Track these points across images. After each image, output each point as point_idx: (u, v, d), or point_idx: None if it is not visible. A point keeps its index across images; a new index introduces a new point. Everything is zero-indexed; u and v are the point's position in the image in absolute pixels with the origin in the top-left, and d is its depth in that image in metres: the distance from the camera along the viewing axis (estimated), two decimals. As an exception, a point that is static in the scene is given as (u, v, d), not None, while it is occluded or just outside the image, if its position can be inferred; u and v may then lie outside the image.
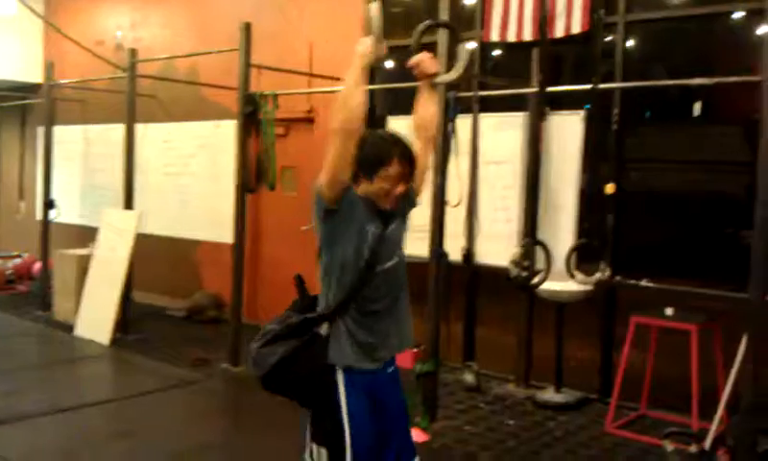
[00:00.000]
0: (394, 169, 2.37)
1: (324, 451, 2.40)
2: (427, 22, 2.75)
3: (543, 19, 4.57)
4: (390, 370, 2.54)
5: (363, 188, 2.39)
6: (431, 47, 2.75)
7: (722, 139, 4.94)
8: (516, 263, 4.58)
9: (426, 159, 2.69)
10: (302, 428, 2.48)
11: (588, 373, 5.10)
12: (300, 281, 2.51)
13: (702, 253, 4.83)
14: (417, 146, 2.56)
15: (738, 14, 4.80)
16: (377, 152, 2.39)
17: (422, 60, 2.57)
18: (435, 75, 2.63)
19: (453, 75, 2.74)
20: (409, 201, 2.56)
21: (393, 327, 2.48)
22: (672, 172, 5.20)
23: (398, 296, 2.50)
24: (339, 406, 2.39)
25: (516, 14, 5.18)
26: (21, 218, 9.21)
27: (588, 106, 4.94)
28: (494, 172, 5.28)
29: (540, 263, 4.70)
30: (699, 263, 4.81)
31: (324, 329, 2.41)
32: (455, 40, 2.83)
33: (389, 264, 2.43)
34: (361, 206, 2.37)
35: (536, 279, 4.60)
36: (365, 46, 2.37)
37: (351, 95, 2.30)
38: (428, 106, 2.70)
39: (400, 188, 2.40)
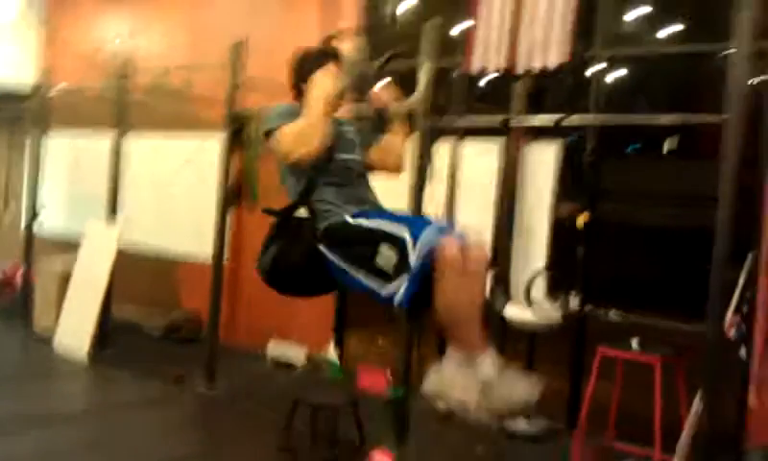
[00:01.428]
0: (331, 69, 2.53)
1: (384, 249, 2.33)
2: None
3: (512, 53, 4.65)
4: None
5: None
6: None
7: (695, 174, 5.02)
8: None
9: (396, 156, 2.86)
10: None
11: (557, 403, 5.13)
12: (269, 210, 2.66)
13: (671, 285, 4.89)
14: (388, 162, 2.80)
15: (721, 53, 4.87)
16: (313, 61, 2.60)
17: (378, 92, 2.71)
18: (390, 103, 2.73)
19: (412, 100, 2.81)
20: (361, 135, 2.75)
21: (358, 195, 2.63)
22: (647, 205, 5.27)
23: (361, 182, 2.68)
24: (346, 223, 2.48)
25: (496, 46, 5.26)
26: (6, 226, 9.21)
27: (573, 137, 5.03)
28: (471, 197, 5.34)
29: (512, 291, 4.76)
30: (669, 296, 4.87)
31: (303, 212, 2.54)
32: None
33: (348, 157, 2.60)
34: None
35: (496, 307, 4.65)
36: (327, 81, 2.45)
37: (315, 129, 2.40)
38: (395, 139, 2.79)
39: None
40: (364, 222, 2.42)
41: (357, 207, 2.55)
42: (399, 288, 2.29)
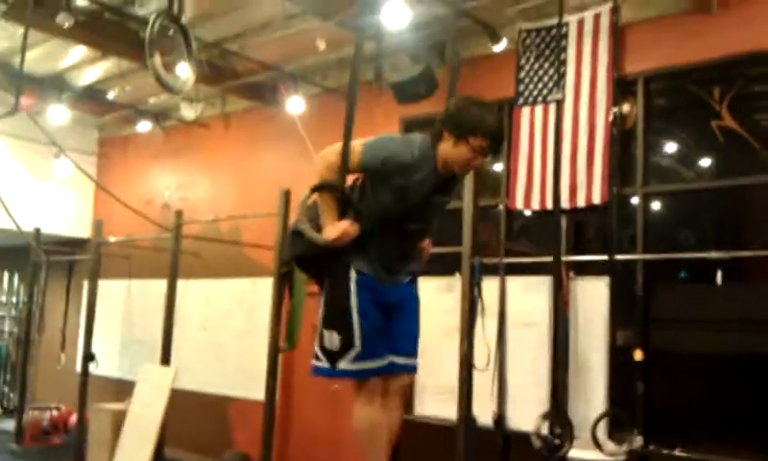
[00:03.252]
0: (483, 142, 2.60)
1: (335, 335, 2.64)
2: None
3: (557, 193, 4.77)
4: (404, 283, 2.83)
5: (444, 147, 2.64)
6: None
7: (747, 298, 4.97)
8: (538, 435, 4.54)
9: None
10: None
11: None
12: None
13: (736, 416, 4.74)
14: None
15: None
16: (475, 118, 2.61)
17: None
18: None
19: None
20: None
21: (400, 256, 2.79)
22: (702, 332, 5.18)
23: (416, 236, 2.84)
24: (349, 294, 2.64)
25: (539, 184, 5.43)
26: (61, 370, 9.41)
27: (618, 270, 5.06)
28: (522, 334, 5.34)
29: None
30: (734, 427, 4.71)
31: None
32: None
33: (413, 224, 2.76)
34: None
35: (561, 451, 4.54)
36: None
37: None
38: None
39: (479, 162, 2.65)
40: (353, 302, 2.64)
41: (387, 272, 2.72)
42: (321, 362, 2.69)
